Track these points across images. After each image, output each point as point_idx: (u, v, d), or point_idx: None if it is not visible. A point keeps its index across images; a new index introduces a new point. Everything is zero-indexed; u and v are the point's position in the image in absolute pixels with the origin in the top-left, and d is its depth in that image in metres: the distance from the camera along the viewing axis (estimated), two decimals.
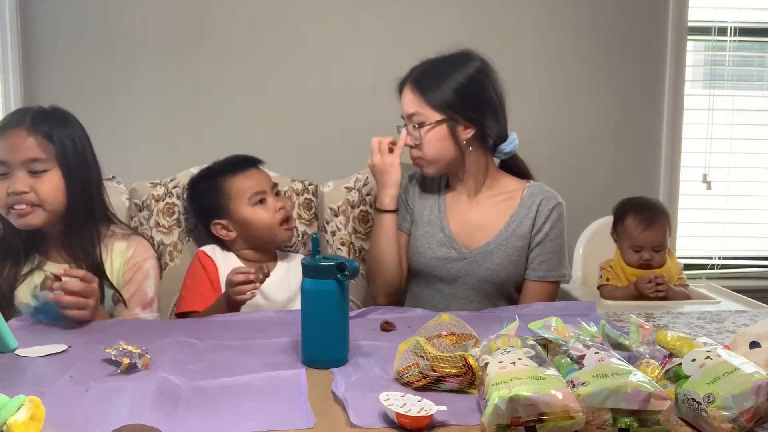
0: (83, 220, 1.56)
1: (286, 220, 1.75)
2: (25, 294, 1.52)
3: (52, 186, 1.52)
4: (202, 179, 1.81)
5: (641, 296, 2.03)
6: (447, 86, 1.70)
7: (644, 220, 2.09)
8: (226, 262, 1.72)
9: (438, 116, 1.69)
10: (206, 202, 1.77)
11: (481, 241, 1.72)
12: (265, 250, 1.77)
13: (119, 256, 1.62)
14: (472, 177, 1.76)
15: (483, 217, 1.75)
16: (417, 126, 1.70)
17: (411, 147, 1.73)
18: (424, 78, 1.72)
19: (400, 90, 1.76)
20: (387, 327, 1.41)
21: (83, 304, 1.39)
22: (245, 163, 1.77)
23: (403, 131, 1.74)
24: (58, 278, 1.39)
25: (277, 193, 1.81)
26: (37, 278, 1.53)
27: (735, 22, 2.69)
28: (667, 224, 2.12)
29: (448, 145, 1.71)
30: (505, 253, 1.71)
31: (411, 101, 1.71)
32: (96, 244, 1.58)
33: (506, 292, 1.74)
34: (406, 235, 1.81)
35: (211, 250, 1.75)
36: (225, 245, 1.78)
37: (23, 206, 1.50)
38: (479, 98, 1.71)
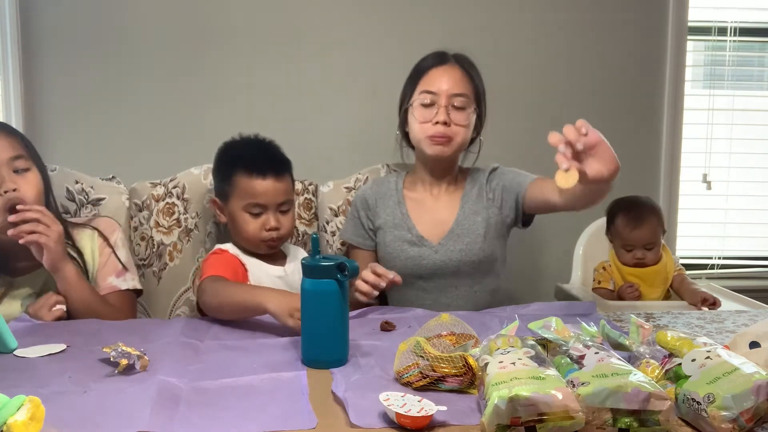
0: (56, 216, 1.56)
1: (273, 239, 1.67)
2: (9, 309, 1.53)
3: (35, 184, 1.54)
4: (228, 151, 1.74)
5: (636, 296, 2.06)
6: (481, 80, 1.78)
7: (633, 219, 2.11)
8: (247, 261, 1.69)
9: (475, 105, 1.75)
10: (218, 175, 1.75)
11: (445, 229, 1.76)
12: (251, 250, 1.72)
13: (89, 240, 1.64)
14: (448, 173, 1.81)
15: (442, 208, 1.80)
16: (458, 107, 1.70)
17: (440, 123, 1.69)
18: (469, 64, 1.76)
19: (428, 66, 1.74)
20: (387, 327, 1.41)
21: (43, 230, 1.44)
22: (268, 167, 1.65)
23: (441, 110, 1.69)
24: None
25: (285, 210, 1.69)
26: (9, 300, 1.54)
27: (735, 22, 2.69)
28: (657, 222, 2.13)
29: (468, 136, 1.77)
30: (470, 230, 1.75)
31: (461, 81, 1.72)
32: (67, 237, 1.60)
33: (486, 266, 1.77)
34: (371, 253, 1.84)
35: (231, 248, 1.70)
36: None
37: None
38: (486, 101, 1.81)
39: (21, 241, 1.44)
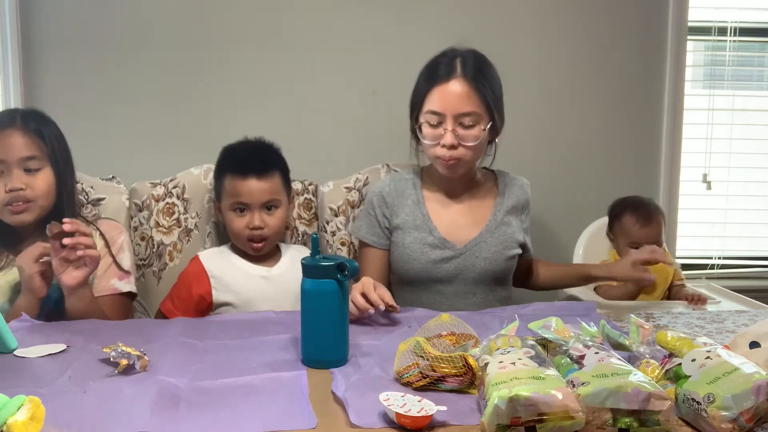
0: (68, 214, 1.58)
1: (256, 238, 1.70)
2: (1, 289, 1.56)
3: (45, 183, 1.57)
4: (223, 154, 1.79)
5: (638, 290, 2.04)
6: (496, 86, 1.69)
7: (641, 217, 2.12)
8: (223, 266, 1.73)
9: (488, 118, 1.66)
10: (215, 176, 1.81)
11: (471, 233, 1.73)
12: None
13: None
14: (466, 178, 1.77)
15: (468, 212, 1.77)
16: (468, 126, 1.63)
17: (446, 147, 1.63)
18: (480, 74, 1.65)
19: (433, 83, 1.64)
20: (390, 309, 1.42)
21: (96, 256, 1.45)
22: (251, 168, 1.70)
23: (448, 134, 1.62)
24: (62, 233, 1.42)
25: (272, 207, 1.72)
26: (10, 275, 1.56)
27: (735, 22, 2.69)
28: (662, 221, 2.15)
29: (483, 148, 1.71)
30: (499, 240, 1.73)
31: (468, 98, 1.62)
32: None
33: (503, 278, 1.78)
34: (384, 252, 1.79)
35: (207, 256, 1.75)
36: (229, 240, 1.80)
37: (20, 203, 1.54)
38: (503, 100, 1.73)
39: (77, 253, 1.43)
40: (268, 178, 1.71)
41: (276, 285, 1.72)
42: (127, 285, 1.65)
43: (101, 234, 1.66)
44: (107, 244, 1.65)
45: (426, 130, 1.67)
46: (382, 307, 1.42)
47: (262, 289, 1.71)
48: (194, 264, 1.74)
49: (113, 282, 1.63)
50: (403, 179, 1.82)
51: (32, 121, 1.59)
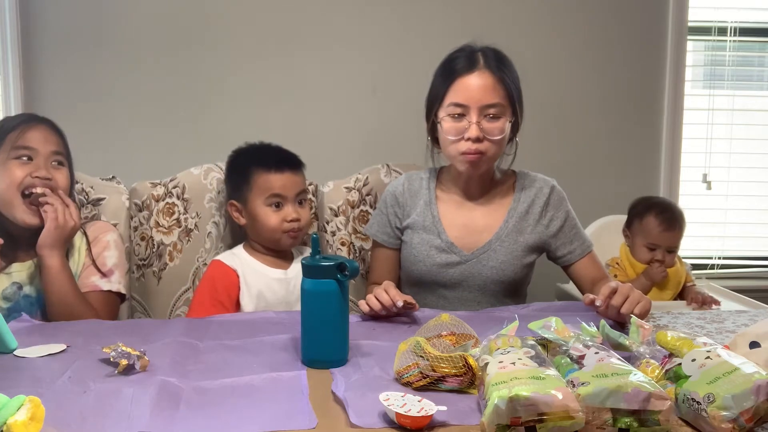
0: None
1: (294, 230, 1.72)
2: None
3: (65, 180, 1.63)
4: (241, 156, 1.81)
5: (650, 286, 2.04)
6: (516, 79, 1.66)
7: (666, 220, 2.11)
8: (243, 268, 1.72)
9: (511, 111, 1.62)
10: (234, 180, 1.80)
11: (481, 241, 1.69)
12: (272, 248, 1.76)
13: (78, 239, 1.67)
14: (484, 179, 1.72)
15: (480, 217, 1.72)
16: (493, 117, 1.59)
17: (471, 140, 1.59)
18: (500, 63, 1.63)
19: (456, 75, 1.60)
20: (408, 306, 1.43)
21: (65, 213, 1.54)
22: (284, 162, 1.73)
23: (473, 126, 1.58)
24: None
25: (302, 201, 1.76)
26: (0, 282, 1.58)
27: (735, 22, 2.69)
28: (684, 228, 2.14)
29: (505, 144, 1.66)
30: (508, 249, 1.68)
31: (492, 89, 1.59)
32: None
33: (513, 289, 1.72)
34: (395, 252, 1.79)
35: (227, 258, 1.74)
36: (244, 239, 1.81)
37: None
38: (522, 97, 1.70)
39: (44, 205, 1.54)
40: (299, 172, 1.76)
41: (290, 287, 1.73)
42: (108, 284, 1.64)
43: (85, 235, 1.67)
44: (88, 245, 1.66)
45: (447, 124, 1.61)
46: (400, 303, 1.43)
47: (277, 291, 1.72)
48: (218, 267, 1.72)
49: (93, 279, 1.63)
50: (417, 179, 1.79)
51: (52, 123, 1.66)
